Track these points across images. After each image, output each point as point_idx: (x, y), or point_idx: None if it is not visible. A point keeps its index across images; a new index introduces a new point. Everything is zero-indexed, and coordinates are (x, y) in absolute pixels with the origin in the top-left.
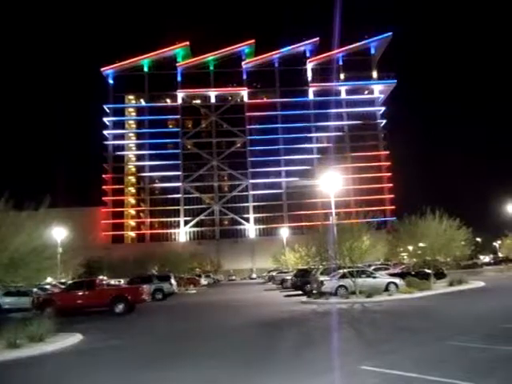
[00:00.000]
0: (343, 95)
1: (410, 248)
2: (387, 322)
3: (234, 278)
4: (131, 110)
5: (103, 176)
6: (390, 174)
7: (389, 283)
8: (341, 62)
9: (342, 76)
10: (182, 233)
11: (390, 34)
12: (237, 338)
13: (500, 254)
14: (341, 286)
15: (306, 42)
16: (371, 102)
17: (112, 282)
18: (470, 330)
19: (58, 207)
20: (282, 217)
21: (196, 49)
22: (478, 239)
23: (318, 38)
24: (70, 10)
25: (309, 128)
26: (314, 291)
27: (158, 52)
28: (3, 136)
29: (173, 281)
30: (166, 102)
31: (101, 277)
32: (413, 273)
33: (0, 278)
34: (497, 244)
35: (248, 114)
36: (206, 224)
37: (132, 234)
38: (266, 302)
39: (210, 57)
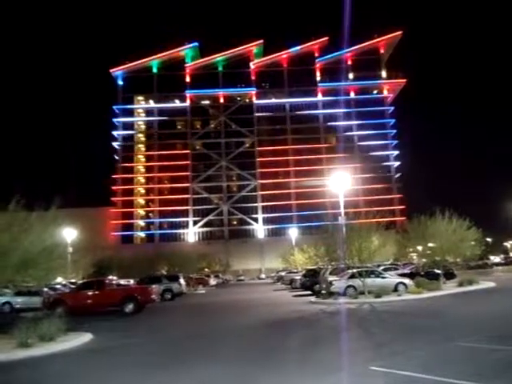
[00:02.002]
0: (352, 95)
1: (420, 248)
2: (396, 322)
3: (242, 278)
4: (140, 110)
5: (113, 176)
6: (399, 173)
7: (398, 283)
8: (350, 62)
9: (350, 75)
10: (191, 233)
11: (399, 33)
12: (246, 338)
13: (511, 254)
14: (350, 286)
15: (315, 41)
16: (380, 102)
17: (121, 282)
18: (480, 331)
19: (67, 207)
20: (290, 217)
21: (205, 49)
22: (489, 239)
23: (326, 38)
24: (80, 11)
25: (318, 128)
26: (323, 291)
27: (166, 53)
28: (13, 137)
29: (182, 281)
30: (174, 103)
31: (110, 277)
32: (422, 273)
33: (11, 278)
34: (508, 244)
35: (257, 114)
36: (214, 224)
37: (141, 234)
38: (275, 302)
39: (218, 57)
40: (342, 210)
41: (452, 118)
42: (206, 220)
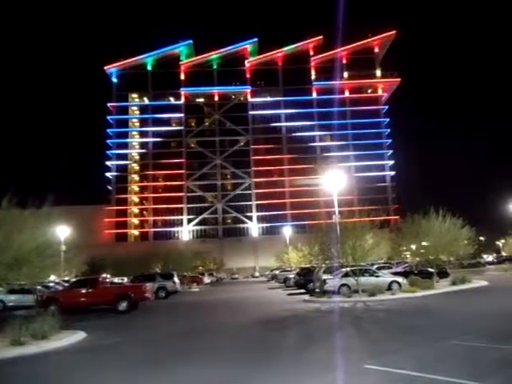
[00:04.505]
0: (347, 94)
1: (413, 247)
2: (390, 321)
3: (236, 276)
4: (135, 108)
5: (107, 174)
6: (393, 172)
7: (392, 282)
8: (344, 61)
9: (345, 74)
10: (185, 231)
11: (393, 32)
12: (240, 337)
13: (503, 253)
14: (343, 284)
15: (310, 40)
16: (375, 101)
17: (115, 280)
18: (474, 330)
19: (61, 205)
20: (284, 215)
21: (199, 47)
22: (482, 238)
23: (321, 37)
24: (74, 8)
25: (312, 126)
26: (317, 290)
27: (161, 50)
28: (7, 134)
29: (176, 279)
30: (169, 101)
31: (104, 275)
32: (416, 272)
33: (4, 276)
34: (500, 243)
35: (251, 112)
36: (209, 222)
37: (135, 232)
38: (268, 301)
39: (213, 55)
40: (336, 209)
41: (446, 117)
42: (200, 218)
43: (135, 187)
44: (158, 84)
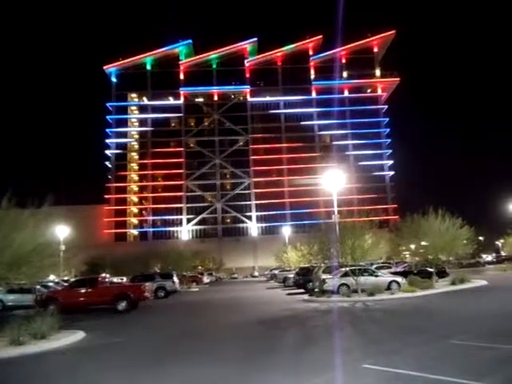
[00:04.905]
0: (346, 93)
1: (413, 247)
2: (389, 320)
3: (236, 276)
4: (134, 108)
5: (106, 174)
6: (392, 172)
7: (391, 282)
8: (344, 60)
9: (344, 74)
10: (185, 231)
11: (392, 32)
12: (239, 337)
13: (503, 253)
14: (343, 284)
15: (309, 40)
16: (374, 101)
17: (114, 279)
18: (473, 329)
19: (60, 205)
20: (284, 215)
21: (199, 47)
22: (481, 238)
23: (321, 36)
24: (74, 8)
25: (311, 126)
26: (316, 289)
27: (160, 50)
28: (6, 134)
29: (175, 279)
30: (168, 100)
31: (103, 274)
32: (415, 271)
33: (3, 276)
34: (500, 243)
35: (250, 112)
36: (208, 222)
37: (134, 232)
38: (268, 300)
39: (212, 55)
40: (336, 209)
41: (446, 117)
42: (199, 218)
43: (134, 187)
44: (157, 83)
